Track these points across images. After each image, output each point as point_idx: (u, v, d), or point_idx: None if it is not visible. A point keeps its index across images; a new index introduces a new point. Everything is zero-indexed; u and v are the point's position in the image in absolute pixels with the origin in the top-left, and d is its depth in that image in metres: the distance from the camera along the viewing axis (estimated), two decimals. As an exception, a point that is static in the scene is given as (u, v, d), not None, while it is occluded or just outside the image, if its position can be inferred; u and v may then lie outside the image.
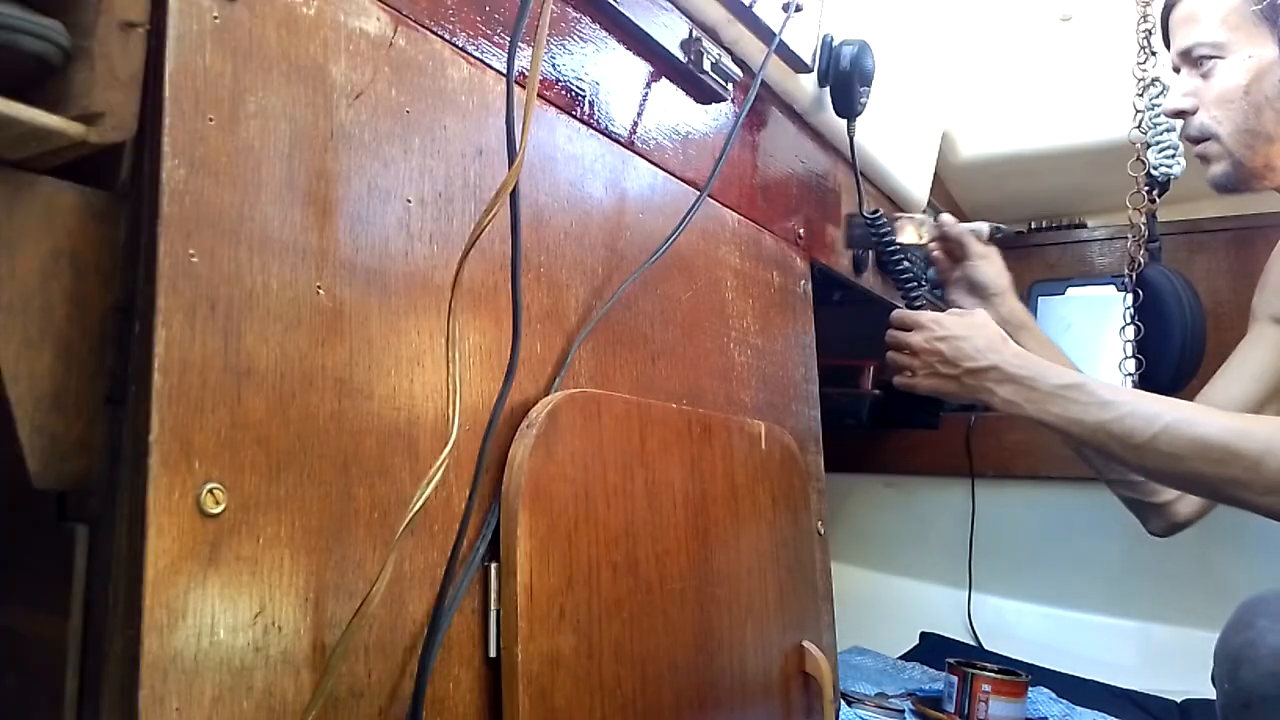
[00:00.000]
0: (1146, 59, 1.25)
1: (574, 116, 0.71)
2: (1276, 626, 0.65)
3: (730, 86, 0.88)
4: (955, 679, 1.24)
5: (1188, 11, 0.98)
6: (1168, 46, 1.04)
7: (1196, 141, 1.00)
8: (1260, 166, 0.95)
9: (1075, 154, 1.54)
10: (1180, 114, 1.00)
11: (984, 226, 1.16)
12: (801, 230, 1.07)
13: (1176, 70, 1.02)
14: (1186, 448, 0.82)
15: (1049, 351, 1.15)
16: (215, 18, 0.45)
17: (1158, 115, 1.23)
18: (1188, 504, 1.11)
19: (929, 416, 1.76)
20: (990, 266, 1.14)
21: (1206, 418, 0.83)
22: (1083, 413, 0.88)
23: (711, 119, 0.89)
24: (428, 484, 0.49)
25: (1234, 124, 0.95)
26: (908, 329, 1.01)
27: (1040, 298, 1.80)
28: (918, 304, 1.09)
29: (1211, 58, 0.95)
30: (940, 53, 1.37)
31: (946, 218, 1.17)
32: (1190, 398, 1.51)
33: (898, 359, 1.02)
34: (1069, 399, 0.89)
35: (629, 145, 0.78)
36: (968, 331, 0.96)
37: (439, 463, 0.50)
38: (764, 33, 0.87)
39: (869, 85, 1.03)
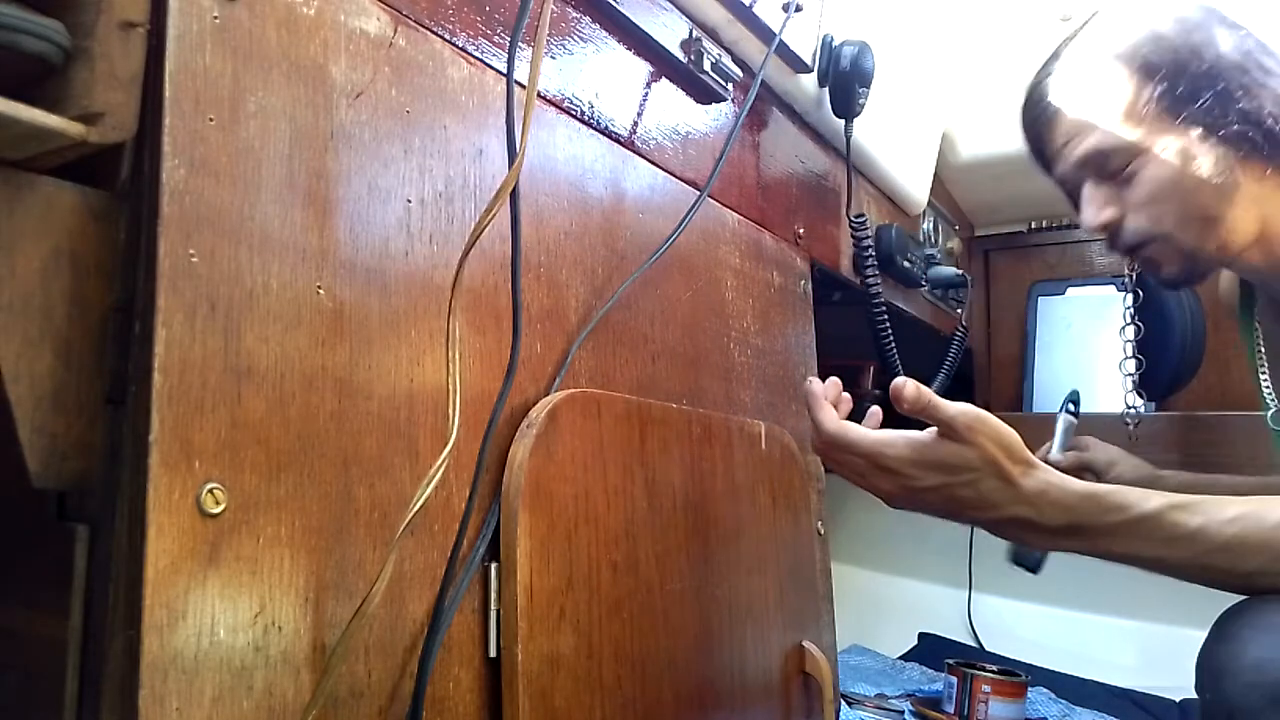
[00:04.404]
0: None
1: (574, 116, 0.71)
2: (1259, 637, 0.63)
3: (730, 86, 0.88)
4: (955, 679, 1.24)
5: (1070, 124, 0.90)
6: (1044, 167, 0.96)
7: (1134, 249, 0.90)
8: (1215, 250, 0.87)
9: (1075, 154, 1.53)
10: (1105, 227, 0.90)
11: (1069, 423, 1.16)
12: (801, 230, 1.07)
13: (1062, 184, 0.94)
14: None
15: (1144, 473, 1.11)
16: (215, 18, 0.45)
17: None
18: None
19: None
20: (1100, 454, 1.15)
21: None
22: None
23: (711, 119, 0.89)
24: (428, 484, 0.49)
25: (1177, 216, 0.86)
26: (864, 460, 0.72)
27: (1040, 298, 1.80)
28: (896, 369, 1.08)
29: (1129, 161, 0.86)
30: (940, 53, 1.37)
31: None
32: (1191, 398, 1.52)
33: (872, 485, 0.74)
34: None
35: (629, 145, 0.78)
36: (948, 477, 0.68)
37: (439, 463, 0.50)
38: (764, 33, 0.87)
39: (868, 86, 1.02)
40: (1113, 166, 0.88)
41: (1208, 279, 0.95)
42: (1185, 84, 0.83)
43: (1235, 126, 0.82)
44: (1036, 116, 0.94)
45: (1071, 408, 1.17)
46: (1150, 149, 0.86)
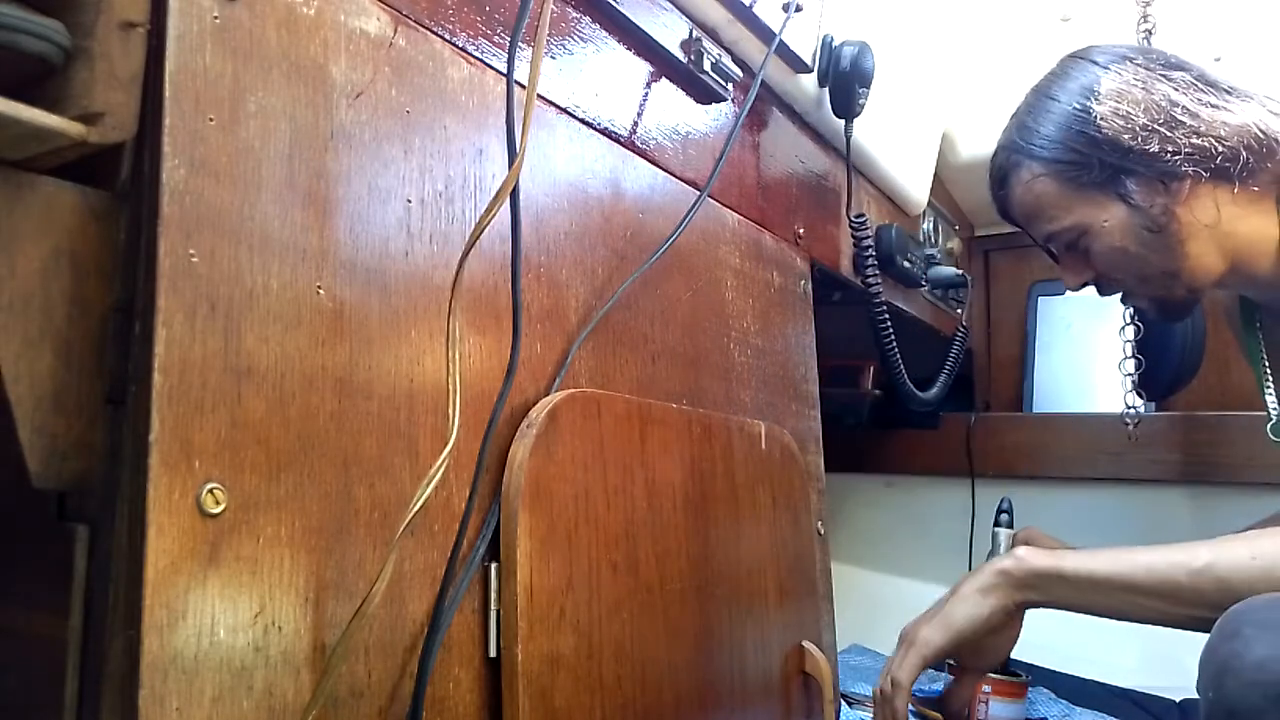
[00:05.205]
0: (1146, 60, 1.24)
1: (574, 116, 0.71)
2: (1262, 635, 0.63)
3: (730, 86, 0.88)
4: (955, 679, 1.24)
5: (1023, 207, 0.96)
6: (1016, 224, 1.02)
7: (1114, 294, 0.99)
8: (1187, 293, 0.93)
9: (1075, 154, 1.53)
10: (1084, 285, 0.98)
11: (1007, 537, 1.06)
12: (801, 230, 1.07)
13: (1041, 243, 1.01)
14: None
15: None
16: (215, 18, 0.45)
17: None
18: None
19: (929, 416, 1.76)
20: None
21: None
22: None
23: (711, 119, 0.89)
24: (428, 484, 0.49)
25: (1135, 277, 0.93)
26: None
27: (1040, 298, 1.80)
28: (898, 368, 1.04)
29: (1078, 238, 0.93)
30: (940, 53, 1.37)
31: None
32: (1191, 398, 1.51)
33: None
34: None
35: (629, 145, 0.78)
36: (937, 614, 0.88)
37: (439, 463, 0.50)
38: (764, 33, 0.87)
39: (868, 86, 1.02)
40: (1067, 242, 0.95)
41: (1198, 304, 0.99)
42: (1119, 150, 0.87)
43: (1190, 166, 0.86)
44: (997, 195, 1.00)
45: (1004, 518, 1.11)
46: (1091, 225, 0.91)
